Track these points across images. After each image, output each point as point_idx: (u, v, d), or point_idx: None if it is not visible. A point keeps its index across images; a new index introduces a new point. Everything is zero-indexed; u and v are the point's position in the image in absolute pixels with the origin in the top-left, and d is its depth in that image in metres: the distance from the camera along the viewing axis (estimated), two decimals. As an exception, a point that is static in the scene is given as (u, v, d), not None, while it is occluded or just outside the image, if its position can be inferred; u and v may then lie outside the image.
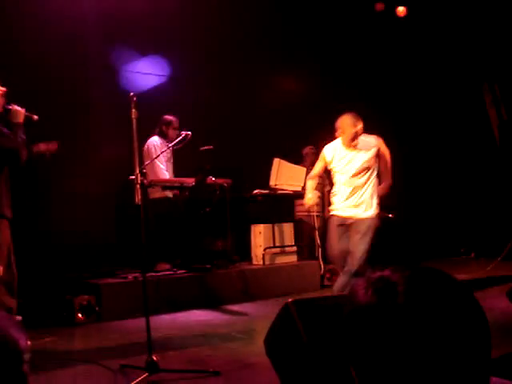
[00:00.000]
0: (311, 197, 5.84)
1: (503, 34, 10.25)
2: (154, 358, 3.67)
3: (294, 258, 7.79)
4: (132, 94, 3.96)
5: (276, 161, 7.67)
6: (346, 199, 5.48)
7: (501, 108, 10.89)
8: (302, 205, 8.47)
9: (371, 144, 5.56)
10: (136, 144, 3.95)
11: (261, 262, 7.48)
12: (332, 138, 5.76)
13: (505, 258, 8.79)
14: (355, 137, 5.51)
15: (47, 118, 4.84)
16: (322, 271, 7.73)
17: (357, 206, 5.46)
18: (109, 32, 7.61)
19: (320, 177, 8.39)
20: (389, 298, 1.11)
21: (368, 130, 5.77)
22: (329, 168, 5.71)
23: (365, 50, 10.46)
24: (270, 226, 7.60)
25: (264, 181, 7.77)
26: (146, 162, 6.28)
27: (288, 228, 7.85)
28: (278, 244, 7.63)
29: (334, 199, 5.66)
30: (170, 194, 7.30)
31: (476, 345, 1.11)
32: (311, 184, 5.95)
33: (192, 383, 3.62)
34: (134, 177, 3.82)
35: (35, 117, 4.52)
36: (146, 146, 7.16)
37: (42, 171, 6.95)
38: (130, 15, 7.74)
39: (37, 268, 6.50)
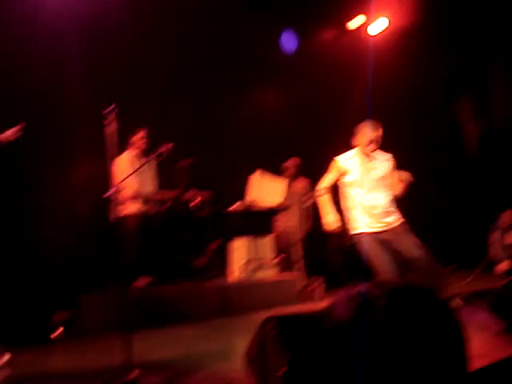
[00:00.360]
0: (334, 220, 5.39)
1: (479, 45, 10.41)
2: (135, 376, 3.63)
3: (274, 272, 7.78)
4: (107, 110, 3.95)
5: (256, 175, 7.68)
6: (373, 211, 5.29)
7: (477, 119, 11.03)
8: (280, 218, 8.54)
9: (386, 157, 5.51)
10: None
11: (240, 276, 7.46)
12: (309, 150, 5.76)
13: (482, 270, 8.89)
14: (375, 144, 5.37)
15: (24, 133, 4.81)
16: (304, 283, 7.73)
17: (388, 213, 5.34)
18: (85, 50, 7.60)
19: (303, 189, 8.44)
20: (369, 313, 1.11)
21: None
22: (341, 180, 5.44)
23: (340, 59, 10.56)
24: (249, 239, 7.60)
25: (243, 195, 7.79)
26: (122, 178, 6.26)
27: (267, 242, 7.84)
28: (257, 258, 7.62)
29: (354, 215, 5.35)
30: (143, 208, 7.32)
31: (452, 358, 1.11)
32: (327, 200, 5.48)
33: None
34: (109, 193, 3.79)
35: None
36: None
37: (19, 185, 6.92)
38: (104, 28, 7.74)
39: (14, 284, 6.44)
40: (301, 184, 8.48)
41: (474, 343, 4.49)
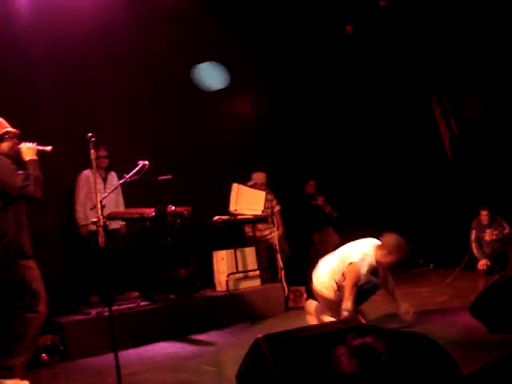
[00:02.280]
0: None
1: (450, 47, 10.53)
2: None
3: (257, 282, 7.79)
4: (90, 134, 3.94)
5: (235, 186, 7.71)
6: None
7: (450, 121, 11.15)
8: (263, 230, 8.58)
9: None
10: (96, 185, 3.92)
11: (225, 288, 7.46)
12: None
13: (463, 269, 9.01)
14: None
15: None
16: (286, 293, 7.76)
17: None
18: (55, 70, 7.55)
19: (268, 199, 8.50)
20: (373, 368, 1.13)
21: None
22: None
23: (314, 68, 10.63)
24: (231, 251, 7.59)
25: (223, 207, 7.80)
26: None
27: (250, 252, 7.86)
28: (240, 269, 7.62)
29: None
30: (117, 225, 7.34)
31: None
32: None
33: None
34: (95, 219, 3.79)
35: (48, 148, 4.57)
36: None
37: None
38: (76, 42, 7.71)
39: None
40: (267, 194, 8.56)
41: (457, 349, 4.59)
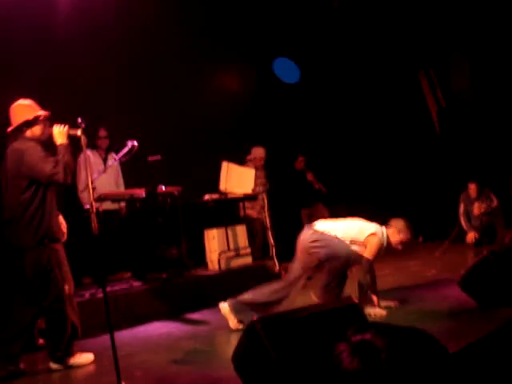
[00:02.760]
0: None
1: (438, 19, 10.50)
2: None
3: (249, 260, 7.85)
4: (80, 121, 3.93)
5: (224, 164, 7.70)
6: None
7: (438, 94, 11.17)
8: (250, 205, 8.59)
9: None
10: (88, 171, 3.91)
11: (217, 267, 7.51)
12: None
13: (452, 242, 9.11)
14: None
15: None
16: (278, 270, 7.81)
17: None
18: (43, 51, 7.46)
19: (260, 178, 8.52)
20: (374, 365, 1.16)
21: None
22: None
23: (301, 43, 10.57)
24: (223, 229, 7.63)
25: (213, 185, 7.80)
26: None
27: (241, 230, 7.89)
28: (232, 247, 7.67)
29: None
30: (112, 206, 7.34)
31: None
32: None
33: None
34: (88, 206, 3.79)
35: (79, 132, 4.49)
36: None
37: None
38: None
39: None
40: (264, 173, 8.56)
41: (449, 322, 4.67)
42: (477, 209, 9.22)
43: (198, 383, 3.94)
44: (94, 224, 3.68)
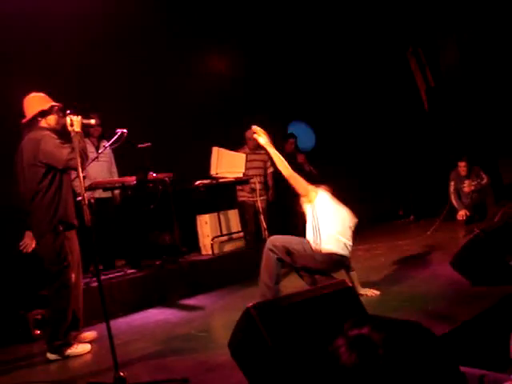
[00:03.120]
0: None
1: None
2: (121, 374, 3.68)
3: (241, 244, 7.87)
4: (68, 112, 3.91)
5: (215, 150, 7.70)
6: None
7: (426, 72, 11.16)
8: (242, 190, 8.60)
9: None
10: (79, 160, 3.90)
11: (210, 252, 7.55)
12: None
13: (443, 220, 9.16)
14: None
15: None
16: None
17: None
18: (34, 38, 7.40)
19: (262, 160, 8.52)
20: (371, 360, 1.18)
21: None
22: None
23: (290, 22, 10.51)
24: (215, 214, 7.66)
25: (204, 170, 7.80)
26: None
27: (233, 215, 7.92)
28: (224, 232, 7.70)
29: None
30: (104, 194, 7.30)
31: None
32: None
33: (162, 394, 3.65)
34: (80, 198, 3.78)
35: (92, 122, 4.91)
36: None
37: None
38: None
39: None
40: (261, 155, 8.53)
41: (442, 302, 4.71)
42: (467, 187, 9.28)
43: (196, 370, 3.95)
44: (87, 216, 3.67)
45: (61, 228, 4.76)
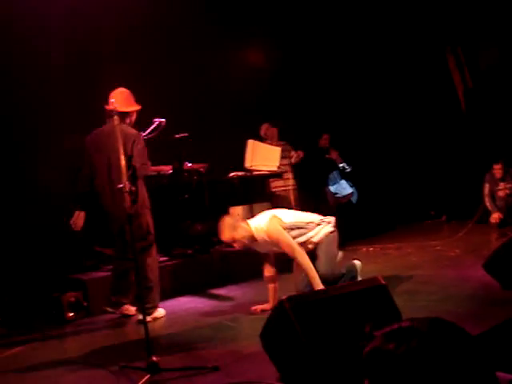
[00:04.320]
0: None
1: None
2: (154, 359, 3.76)
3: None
4: (113, 100, 3.99)
5: (250, 142, 7.75)
6: None
7: (465, 72, 11.05)
8: (275, 181, 8.65)
9: None
10: (121, 149, 3.99)
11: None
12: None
13: (476, 222, 9.10)
14: None
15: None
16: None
17: None
18: (72, 25, 7.52)
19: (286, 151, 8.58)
20: (409, 352, 1.21)
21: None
22: None
23: (327, 18, 10.48)
24: (248, 206, 7.70)
25: (239, 162, 7.87)
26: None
27: (265, 207, 7.93)
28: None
29: None
30: None
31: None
32: None
33: (193, 381, 3.72)
34: (121, 185, 3.86)
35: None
36: None
37: (17, 166, 6.94)
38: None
39: (20, 266, 6.53)
40: (285, 146, 8.61)
41: (472, 304, 4.70)
42: (502, 190, 9.19)
43: (226, 359, 4.02)
44: (127, 203, 3.76)
45: (146, 209, 5.64)
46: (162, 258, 7.06)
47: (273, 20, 9.78)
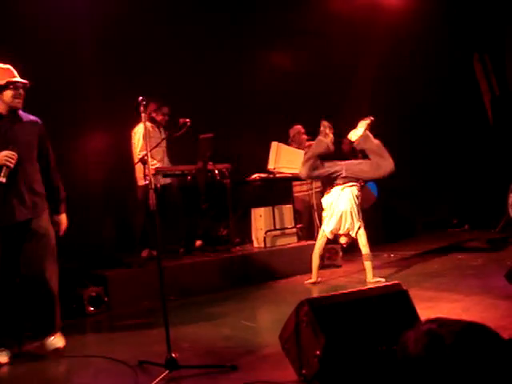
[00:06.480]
0: None
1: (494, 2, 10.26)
2: (173, 355, 3.78)
3: (294, 240, 7.91)
4: (140, 98, 4.02)
5: (274, 144, 7.78)
6: None
7: (492, 80, 10.95)
8: (300, 185, 8.64)
9: None
10: (147, 147, 4.02)
11: (262, 245, 7.61)
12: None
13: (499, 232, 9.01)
14: None
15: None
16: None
17: None
18: (97, 19, 7.61)
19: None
20: (437, 353, 1.22)
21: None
22: None
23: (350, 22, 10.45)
24: (269, 208, 7.71)
25: (262, 164, 7.89)
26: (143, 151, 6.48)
27: (287, 210, 7.95)
28: (278, 226, 7.74)
29: None
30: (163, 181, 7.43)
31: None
32: None
33: (211, 379, 3.74)
34: (147, 182, 3.89)
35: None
36: (133, 133, 7.23)
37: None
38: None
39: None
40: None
41: (495, 313, 4.66)
42: (526, 200, 9.06)
43: (244, 358, 4.04)
44: (152, 200, 3.79)
45: None
46: (183, 257, 7.11)
47: (300, 22, 9.77)
